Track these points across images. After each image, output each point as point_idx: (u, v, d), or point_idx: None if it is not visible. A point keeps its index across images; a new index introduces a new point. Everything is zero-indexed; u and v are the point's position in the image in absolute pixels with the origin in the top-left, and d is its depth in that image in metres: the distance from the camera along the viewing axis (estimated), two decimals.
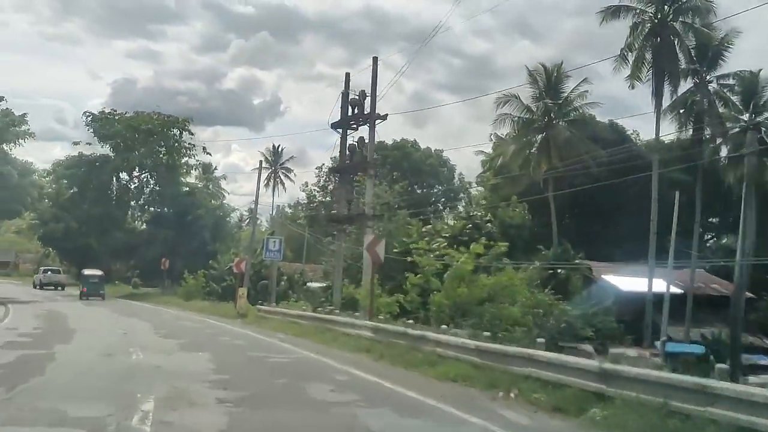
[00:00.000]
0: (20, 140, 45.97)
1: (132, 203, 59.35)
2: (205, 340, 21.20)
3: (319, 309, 29.41)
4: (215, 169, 60.61)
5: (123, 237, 56.38)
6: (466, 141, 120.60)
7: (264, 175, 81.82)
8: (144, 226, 59.88)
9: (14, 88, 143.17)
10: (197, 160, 58.25)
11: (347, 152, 35.99)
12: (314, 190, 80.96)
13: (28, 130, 47.20)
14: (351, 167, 35.61)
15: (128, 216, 59.64)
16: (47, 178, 56.98)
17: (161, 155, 58.49)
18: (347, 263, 41.99)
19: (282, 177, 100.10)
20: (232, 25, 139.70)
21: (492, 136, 48.22)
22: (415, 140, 67.77)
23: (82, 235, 63.03)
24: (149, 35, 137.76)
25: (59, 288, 55.03)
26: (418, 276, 27.33)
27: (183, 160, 58.75)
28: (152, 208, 58.87)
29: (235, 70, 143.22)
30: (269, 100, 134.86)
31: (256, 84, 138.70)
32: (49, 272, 57.16)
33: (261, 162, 48.33)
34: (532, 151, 40.44)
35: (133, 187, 59.66)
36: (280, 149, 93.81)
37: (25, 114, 47.99)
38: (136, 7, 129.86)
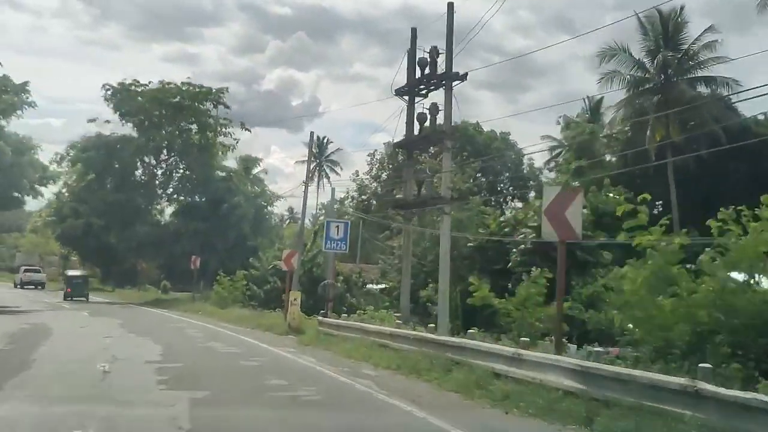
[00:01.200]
0: (17, 111, 37.10)
1: (159, 191, 50.13)
2: (246, 388, 11.71)
3: (400, 322, 21.63)
4: (259, 161, 51.19)
5: (148, 231, 47.27)
6: (523, 129, 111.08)
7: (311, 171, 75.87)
8: (172, 218, 50.68)
9: (53, 93, 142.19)
10: (234, 138, 48.88)
11: (416, 122, 27.50)
12: (365, 179, 72.30)
13: (28, 98, 38.36)
14: (422, 140, 28.55)
15: (155, 206, 50.47)
16: (61, 164, 47.92)
17: (192, 133, 49.45)
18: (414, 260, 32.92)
19: (327, 170, 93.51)
20: (269, 26, 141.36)
21: (560, 119, 43.84)
22: (477, 122, 58.18)
23: (105, 230, 54.48)
24: (186, 38, 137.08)
25: (39, 287, 55.28)
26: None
27: (218, 140, 49.44)
28: (182, 197, 49.59)
29: (273, 71, 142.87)
30: (307, 101, 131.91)
31: (294, 85, 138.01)
32: (30, 272, 57.75)
33: (312, 134, 38.89)
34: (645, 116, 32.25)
35: (159, 172, 50.66)
36: (325, 141, 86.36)
37: (26, 82, 39.23)
38: (172, 11, 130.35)
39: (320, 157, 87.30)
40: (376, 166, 75.05)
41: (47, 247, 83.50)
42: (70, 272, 49.12)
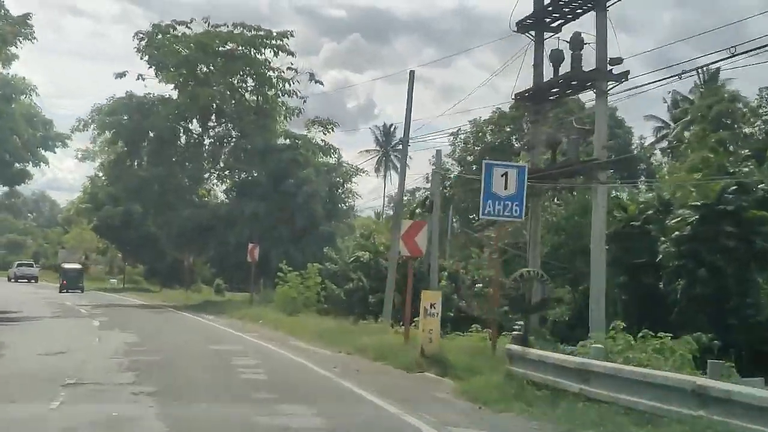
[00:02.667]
0: (9, 47, 26.82)
1: (206, 165, 39.42)
2: None
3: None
4: (334, 125, 39.55)
5: (193, 215, 36.66)
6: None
7: (373, 162, 69.89)
8: (222, 198, 39.91)
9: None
10: (300, 97, 37.99)
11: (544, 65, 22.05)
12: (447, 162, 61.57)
13: (31, 33, 28.10)
14: (559, 87, 22.54)
15: (201, 185, 39.85)
16: (86, 130, 37.76)
17: (248, 91, 38.75)
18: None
19: (395, 160, 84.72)
20: (324, 28, 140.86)
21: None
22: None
23: (146, 218, 44.53)
24: None
25: (32, 281, 56.96)
26: None
27: (280, 99, 38.65)
28: (235, 172, 38.80)
29: (328, 73, 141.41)
30: (363, 103, 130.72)
31: (349, 87, 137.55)
32: (23, 266, 60.05)
33: (412, 73, 27.67)
34: None
35: (207, 142, 39.94)
36: (392, 128, 77.14)
37: (28, 14, 28.96)
38: (230, 14, 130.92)
39: (386, 146, 79.34)
40: (460, 147, 64.17)
41: (94, 243, 74.30)
42: (66, 265, 50.20)
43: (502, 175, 14.28)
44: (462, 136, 64.26)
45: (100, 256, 77.58)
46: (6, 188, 37.95)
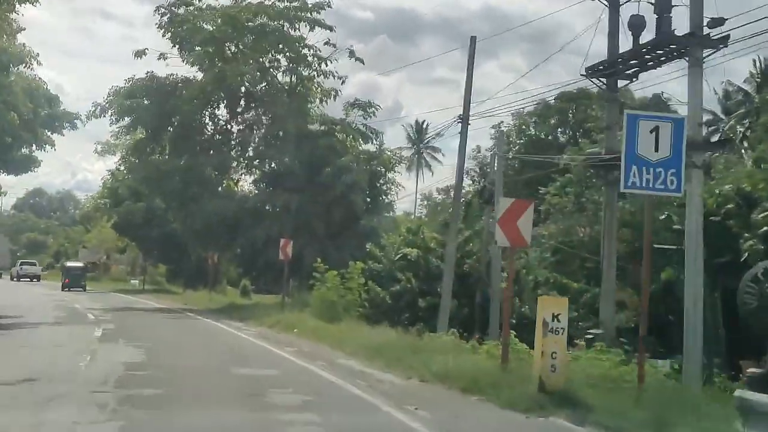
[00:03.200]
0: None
1: (234, 153, 35.27)
2: None
3: None
4: (376, 108, 34.94)
5: (220, 208, 32.49)
6: None
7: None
8: (251, 190, 35.71)
9: None
10: (338, 77, 33.80)
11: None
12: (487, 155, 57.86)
13: None
14: (638, 57, 19.17)
15: (229, 176, 35.72)
16: (102, 117, 33.77)
17: (281, 71, 34.69)
18: None
19: (427, 158, 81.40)
20: (352, 30, 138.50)
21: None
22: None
23: (169, 214, 40.73)
24: None
25: (34, 280, 57.08)
26: None
27: (315, 80, 34.50)
28: (266, 161, 34.57)
29: (356, 76, 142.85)
30: (390, 105, 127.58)
31: (376, 89, 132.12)
32: (26, 265, 60.29)
33: (473, 39, 23.42)
34: None
35: (235, 128, 35.83)
36: (424, 125, 72.92)
37: None
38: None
39: (419, 144, 76.65)
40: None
41: (117, 242, 70.77)
42: (69, 263, 52.00)
43: (651, 131, 9.95)
44: (504, 129, 59.98)
45: (121, 255, 74.04)
46: (10, 176, 33.77)
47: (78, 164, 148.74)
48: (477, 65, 24.61)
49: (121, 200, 49.11)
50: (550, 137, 55.46)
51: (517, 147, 59.20)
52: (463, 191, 55.86)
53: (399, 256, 28.94)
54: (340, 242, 32.24)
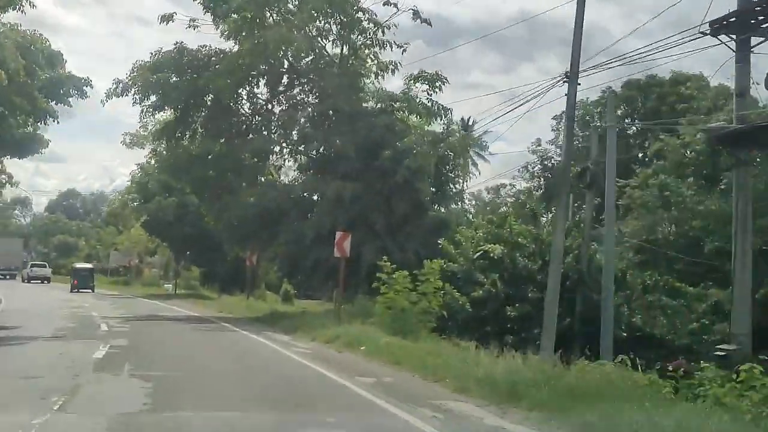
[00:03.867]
0: None
1: (275, 136, 30.13)
2: None
3: None
4: (443, 81, 28.88)
5: (260, 199, 27.46)
6: None
7: None
8: (296, 178, 30.41)
9: None
10: (398, 45, 28.60)
11: None
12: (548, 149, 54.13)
13: None
14: None
15: (269, 163, 30.59)
16: (125, 95, 28.93)
17: (330, 41, 29.57)
18: None
19: (474, 157, 75.18)
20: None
21: None
22: None
23: (201, 208, 36.02)
24: None
25: (45, 281, 57.43)
26: None
27: (371, 50, 29.33)
28: (313, 145, 29.27)
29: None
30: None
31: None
32: (36, 267, 60.67)
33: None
34: None
35: (278, 109, 30.70)
36: (470, 121, 67.54)
37: None
38: None
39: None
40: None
41: (148, 243, 66.64)
42: (77, 265, 52.49)
43: None
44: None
45: (154, 258, 69.49)
46: (12, 158, 28.89)
47: (116, 170, 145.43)
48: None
49: (150, 196, 44.45)
50: (617, 129, 49.89)
51: (580, 140, 53.77)
52: (518, 188, 49.88)
53: (479, 253, 23.50)
54: (403, 238, 26.95)
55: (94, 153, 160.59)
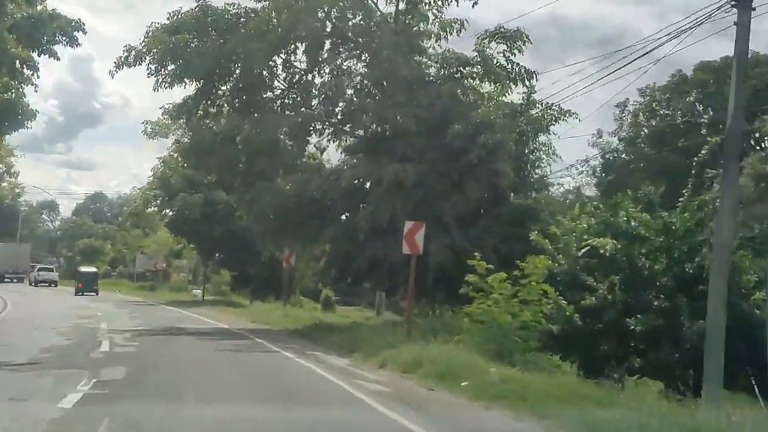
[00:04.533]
0: None
1: (316, 111, 24.88)
2: None
3: None
4: (525, 39, 23.21)
5: (299, 187, 22.37)
6: None
7: None
8: (344, 160, 24.79)
9: None
10: None
11: None
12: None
13: None
14: None
15: (306, 145, 25.45)
16: (141, 62, 23.97)
17: None
18: None
19: None
20: None
21: None
22: None
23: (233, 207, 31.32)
24: None
25: (52, 285, 57.25)
26: None
27: (432, 7, 24.13)
28: (364, 121, 23.91)
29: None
30: None
31: None
32: (43, 271, 60.32)
33: None
34: None
35: (318, 80, 25.56)
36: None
37: None
38: None
39: None
40: (628, 122, 49.65)
41: (172, 244, 62.07)
42: (82, 268, 53.47)
43: None
44: (631, 108, 48.67)
45: (181, 262, 64.74)
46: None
47: (146, 176, 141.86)
48: None
49: (174, 192, 39.59)
50: (688, 117, 44.19)
51: (645, 130, 48.03)
52: (576, 185, 43.85)
53: (584, 249, 18.04)
54: (478, 232, 21.63)
55: (124, 159, 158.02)
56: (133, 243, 76.39)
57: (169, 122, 39.20)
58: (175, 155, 41.13)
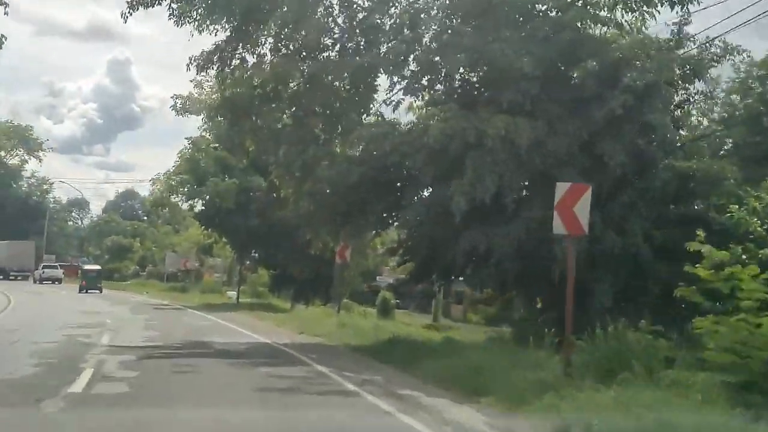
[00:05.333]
0: None
1: (383, 55, 18.35)
2: None
3: None
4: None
5: (366, 155, 16.04)
6: None
7: None
8: (428, 114, 18.20)
9: None
10: None
11: None
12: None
13: None
14: None
15: (374, 102, 19.15)
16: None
17: None
18: None
19: None
20: None
21: None
22: None
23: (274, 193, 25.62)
24: None
25: (56, 282, 57.42)
26: None
27: None
28: (453, 65, 17.42)
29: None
30: None
31: None
32: (48, 269, 60.61)
33: None
34: None
35: (388, 22, 18.93)
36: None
37: None
38: None
39: None
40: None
41: (202, 238, 56.32)
42: (86, 266, 55.54)
43: None
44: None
45: (215, 261, 59.00)
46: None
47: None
48: None
49: (204, 177, 33.66)
50: None
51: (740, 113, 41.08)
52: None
53: None
54: (622, 209, 15.25)
55: (162, 162, 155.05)
56: (162, 240, 71.01)
57: (203, 95, 33.60)
58: (206, 134, 35.42)
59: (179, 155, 35.29)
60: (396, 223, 18.78)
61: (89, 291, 45.46)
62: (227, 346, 16.77)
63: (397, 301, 31.92)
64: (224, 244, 40.74)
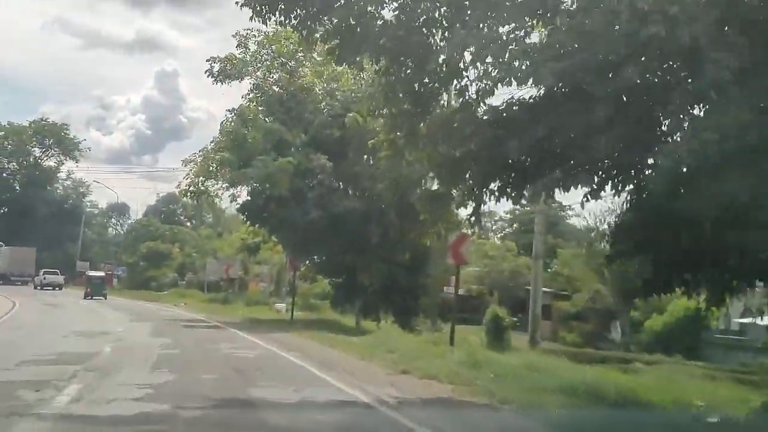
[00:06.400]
0: None
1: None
2: None
3: None
4: None
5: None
6: None
7: None
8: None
9: None
10: None
11: None
12: None
13: None
14: None
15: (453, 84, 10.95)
16: None
17: None
18: None
19: None
20: None
21: None
22: None
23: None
24: None
25: (57, 288, 58.29)
26: None
27: None
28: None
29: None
30: None
31: None
32: (49, 275, 60.81)
33: None
34: None
35: None
36: None
37: None
38: None
39: None
40: None
41: (245, 236, 49.33)
42: (90, 273, 54.71)
43: None
44: None
45: (264, 267, 51.30)
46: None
47: None
48: None
49: (251, 155, 26.04)
50: None
51: None
52: None
53: None
54: None
55: None
56: (203, 246, 63.57)
57: (244, 53, 26.19)
58: (252, 103, 28.03)
59: (220, 129, 27.72)
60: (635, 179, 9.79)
61: (94, 297, 45.51)
62: (293, 412, 8.91)
63: (516, 319, 23.82)
64: (274, 243, 32.97)
